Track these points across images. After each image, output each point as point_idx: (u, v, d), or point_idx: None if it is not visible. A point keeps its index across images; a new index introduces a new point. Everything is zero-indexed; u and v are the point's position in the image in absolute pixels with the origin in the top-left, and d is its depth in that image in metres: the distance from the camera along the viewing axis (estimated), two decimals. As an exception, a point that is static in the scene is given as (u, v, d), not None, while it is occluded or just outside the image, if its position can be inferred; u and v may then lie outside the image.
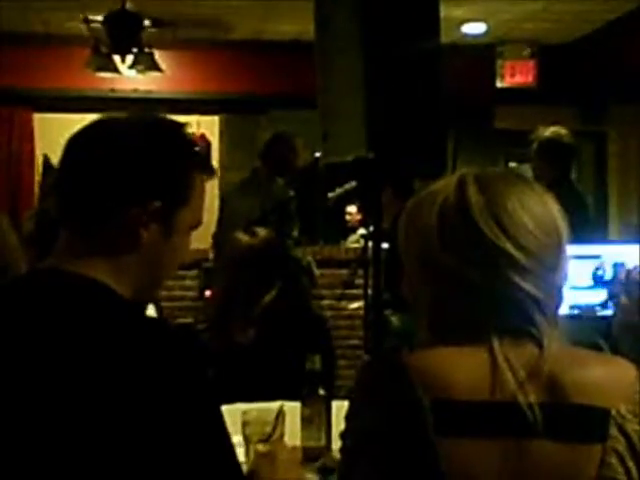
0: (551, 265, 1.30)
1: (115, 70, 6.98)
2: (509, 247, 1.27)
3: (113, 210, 1.35)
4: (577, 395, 1.24)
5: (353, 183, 4.80)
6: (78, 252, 1.36)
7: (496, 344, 1.26)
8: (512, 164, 8.54)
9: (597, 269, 3.35)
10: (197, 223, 1.45)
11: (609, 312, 2.65)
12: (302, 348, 2.70)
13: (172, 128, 1.44)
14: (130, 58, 6.86)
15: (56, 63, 7.67)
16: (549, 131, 4.93)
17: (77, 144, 1.40)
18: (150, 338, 1.29)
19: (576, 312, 2.91)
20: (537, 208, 1.31)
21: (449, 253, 1.29)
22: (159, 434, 1.22)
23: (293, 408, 2.34)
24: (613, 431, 1.23)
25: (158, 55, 7.11)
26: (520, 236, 1.28)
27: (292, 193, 5.59)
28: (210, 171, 1.46)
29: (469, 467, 1.21)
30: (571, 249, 3.26)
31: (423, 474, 1.21)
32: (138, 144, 1.38)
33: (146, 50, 6.89)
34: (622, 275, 2.13)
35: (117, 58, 6.89)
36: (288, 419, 2.15)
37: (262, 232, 3.40)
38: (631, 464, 1.24)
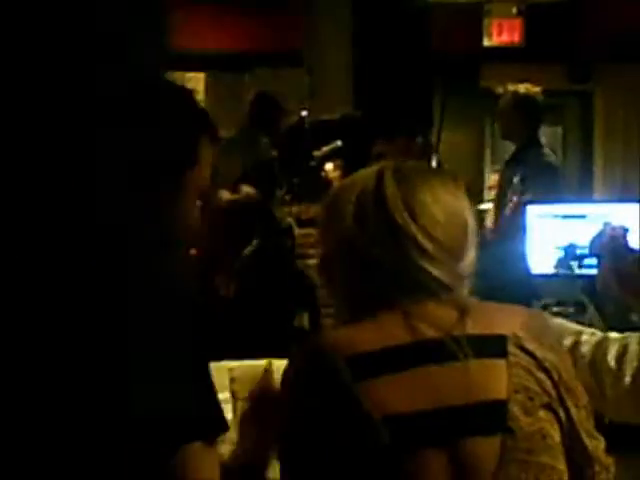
0: (458, 254, 1.42)
1: (99, 26, 6.90)
2: (419, 236, 1.39)
3: None
4: (476, 328, 1.38)
5: (339, 142, 4.78)
6: None
7: (407, 310, 1.39)
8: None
9: (581, 227, 3.36)
10: (202, 187, 1.47)
11: (593, 271, 2.66)
12: (285, 304, 2.71)
13: (185, 92, 1.49)
14: (114, 14, 6.78)
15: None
16: (523, 87, 4.89)
17: None
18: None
19: (558, 271, 2.93)
20: (448, 202, 1.43)
21: (364, 238, 1.41)
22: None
23: (281, 365, 2.36)
24: (512, 348, 1.36)
25: (143, 11, 7.03)
26: (430, 227, 1.40)
27: (275, 153, 5.59)
28: (216, 139, 1.50)
29: (389, 401, 1.32)
30: (556, 208, 3.27)
31: (350, 419, 1.31)
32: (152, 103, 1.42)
33: (130, 6, 6.82)
34: (607, 235, 2.11)
35: (101, 14, 6.81)
36: (276, 376, 2.16)
37: (245, 189, 3.43)
38: (540, 374, 1.36)
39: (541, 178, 4.73)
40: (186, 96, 1.48)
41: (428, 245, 1.39)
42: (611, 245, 2.07)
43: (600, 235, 2.14)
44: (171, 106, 1.45)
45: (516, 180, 4.81)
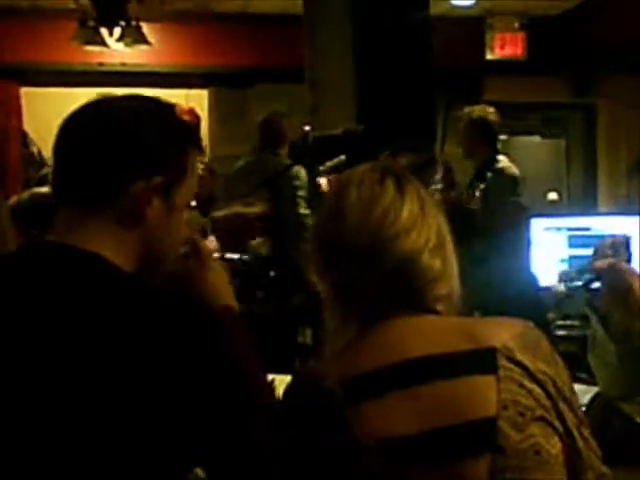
0: (435, 276, 1.42)
1: (102, 43, 6.92)
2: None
3: (117, 185, 1.36)
4: (465, 343, 1.35)
5: (342, 157, 4.79)
6: (80, 228, 1.36)
7: (393, 329, 1.39)
8: (502, 136, 8.52)
9: (585, 240, 3.36)
10: (191, 199, 1.48)
11: (597, 284, 2.65)
12: (289, 319, 2.70)
13: (169, 106, 1.48)
14: (118, 31, 6.80)
15: (43, 37, 7.61)
16: (478, 109, 5.17)
17: (78, 121, 1.42)
18: (153, 312, 1.30)
19: (562, 285, 2.92)
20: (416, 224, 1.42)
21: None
22: (158, 399, 1.24)
23: (284, 381, 2.35)
24: (502, 361, 1.33)
25: (146, 28, 7.06)
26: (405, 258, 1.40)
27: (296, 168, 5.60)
28: (201, 150, 1.49)
29: (380, 423, 1.30)
30: (561, 221, 3.26)
31: (341, 444, 1.30)
32: (141, 120, 1.41)
33: (133, 23, 6.83)
34: (606, 246, 2.08)
35: (104, 31, 6.83)
36: (279, 392, 2.16)
37: (260, 204, 3.40)
38: (532, 386, 1.33)
39: (501, 189, 4.95)
40: (170, 110, 1.47)
41: (402, 271, 1.38)
42: (608, 266, 2.05)
43: (596, 254, 2.12)
44: (162, 119, 1.43)
45: (477, 196, 5.02)
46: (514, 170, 5.22)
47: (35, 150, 7.36)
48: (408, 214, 1.41)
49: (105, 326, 1.25)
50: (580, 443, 1.35)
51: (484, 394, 1.31)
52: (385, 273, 1.39)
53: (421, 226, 1.41)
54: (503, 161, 5.24)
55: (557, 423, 1.33)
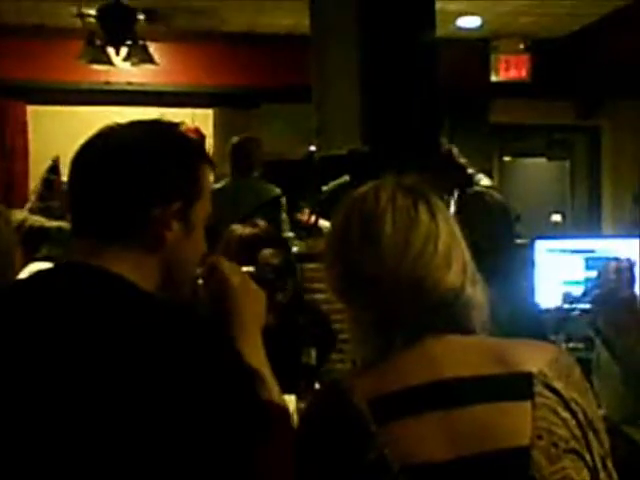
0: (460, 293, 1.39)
1: (109, 62, 6.96)
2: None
3: (136, 215, 1.36)
4: (500, 367, 1.32)
5: (347, 177, 4.81)
6: (100, 254, 1.36)
7: (426, 347, 1.35)
8: (506, 158, 8.55)
9: (589, 262, 3.37)
10: (208, 214, 1.47)
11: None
12: (294, 339, 2.69)
13: (174, 126, 1.48)
14: (124, 50, 6.84)
15: (50, 55, 7.65)
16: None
17: (90, 154, 1.42)
18: (180, 330, 1.30)
19: (568, 306, 2.92)
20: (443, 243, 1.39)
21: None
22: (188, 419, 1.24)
23: (288, 401, 2.35)
24: (539, 388, 1.30)
25: (152, 48, 7.10)
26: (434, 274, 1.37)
27: (278, 191, 5.65)
28: (213, 164, 1.50)
29: (410, 445, 1.26)
30: (565, 243, 3.28)
31: (369, 465, 1.26)
32: (152, 147, 1.41)
33: (140, 42, 6.87)
34: (610, 270, 2.09)
35: (111, 50, 6.87)
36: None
37: (261, 223, 3.39)
38: (566, 414, 1.30)
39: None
40: (176, 130, 1.47)
41: (445, 303, 1.36)
42: (605, 297, 2.05)
43: (601, 278, 2.13)
44: (170, 141, 1.44)
45: None
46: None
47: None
48: (444, 239, 1.38)
49: (129, 346, 1.25)
50: (602, 474, 1.32)
51: (519, 421, 1.28)
52: (429, 305, 1.36)
53: (455, 251, 1.39)
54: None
55: (586, 454, 1.30)
